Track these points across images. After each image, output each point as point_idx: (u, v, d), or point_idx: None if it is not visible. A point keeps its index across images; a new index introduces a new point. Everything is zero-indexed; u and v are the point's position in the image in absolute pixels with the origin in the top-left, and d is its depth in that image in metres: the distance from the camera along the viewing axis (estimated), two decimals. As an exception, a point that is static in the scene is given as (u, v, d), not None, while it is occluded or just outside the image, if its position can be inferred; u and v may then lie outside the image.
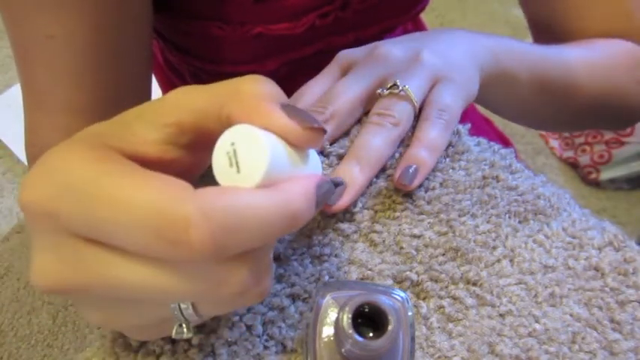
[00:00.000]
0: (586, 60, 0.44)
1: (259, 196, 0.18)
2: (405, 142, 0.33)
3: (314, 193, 0.20)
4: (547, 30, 0.49)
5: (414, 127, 0.33)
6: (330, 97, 0.32)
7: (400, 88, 0.32)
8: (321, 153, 0.32)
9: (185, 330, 0.22)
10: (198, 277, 0.18)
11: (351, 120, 0.33)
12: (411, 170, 0.30)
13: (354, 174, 0.30)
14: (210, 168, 0.20)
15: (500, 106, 0.44)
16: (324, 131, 0.21)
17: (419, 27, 0.63)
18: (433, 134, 0.31)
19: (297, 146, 0.21)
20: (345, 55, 0.36)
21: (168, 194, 0.17)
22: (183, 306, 0.20)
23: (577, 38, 0.47)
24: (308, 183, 0.19)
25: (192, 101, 0.20)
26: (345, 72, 0.35)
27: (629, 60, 0.47)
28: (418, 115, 0.33)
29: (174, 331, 0.22)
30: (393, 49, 0.34)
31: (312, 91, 0.34)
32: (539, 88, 0.42)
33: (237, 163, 0.19)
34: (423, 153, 0.30)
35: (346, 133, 0.33)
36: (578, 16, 0.47)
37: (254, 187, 0.19)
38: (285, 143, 0.20)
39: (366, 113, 0.34)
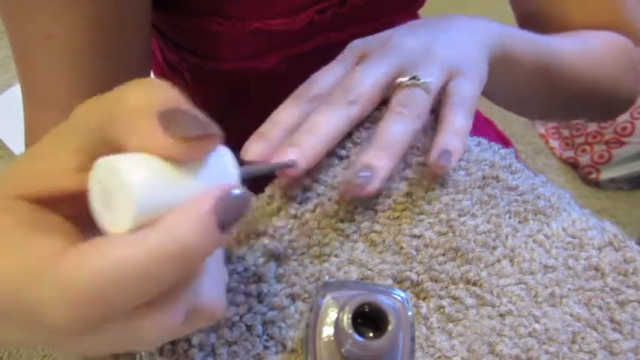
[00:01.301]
0: (578, 49, 0.45)
1: (131, 245, 0.16)
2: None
3: (209, 215, 0.17)
4: (533, 21, 0.50)
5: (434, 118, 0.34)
6: (351, 82, 0.32)
7: (422, 80, 0.32)
8: (335, 154, 0.32)
9: (144, 354, 0.21)
10: (115, 335, 0.17)
11: (372, 106, 0.33)
12: (446, 153, 0.30)
13: (383, 162, 0.30)
14: None
15: (498, 90, 0.44)
16: (211, 136, 0.18)
17: None
18: (459, 122, 0.32)
19: (182, 161, 0.17)
20: (359, 45, 0.36)
21: (20, 276, 0.16)
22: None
23: (563, 30, 0.48)
24: (198, 208, 0.17)
25: (88, 121, 0.18)
26: (360, 60, 0.35)
27: (618, 50, 0.48)
28: (435, 106, 0.34)
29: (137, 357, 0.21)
30: (407, 41, 0.35)
31: (325, 79, 0.34)
32: (537, 74, 0.42)
33: (109, 203, 0.17)
34: (454, 138, 0.31)
35: (349, 135, 0.33)
36: (565, 8, 0.48)
37: (127, 231, 0.16)
38: (166, 162, 0.17)
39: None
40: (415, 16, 0.62)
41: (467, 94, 0.33)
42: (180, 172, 0.17)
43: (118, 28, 0.37)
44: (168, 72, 0.59)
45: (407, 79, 0.32)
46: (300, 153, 0.28)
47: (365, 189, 0.29)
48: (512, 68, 0.40)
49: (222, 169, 0.19)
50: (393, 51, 0.34)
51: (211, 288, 0.19)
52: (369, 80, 0.32)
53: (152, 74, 0.57)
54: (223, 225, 0.17)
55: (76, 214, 0.19)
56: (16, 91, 1.28)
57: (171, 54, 0.54)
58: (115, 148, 0.18)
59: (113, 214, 0.17)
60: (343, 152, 0.32)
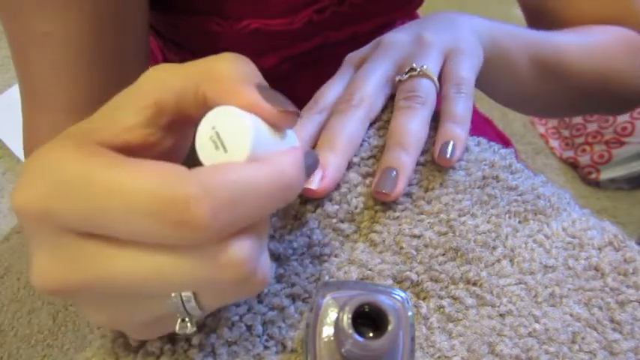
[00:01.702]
0: (581, 43, 0.45)
1: (254, 168, 0.18)
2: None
3: (303, 162, 0.20)
4: (540, 16, 0.50)
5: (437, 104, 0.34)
6: (354, 85, 0.33)
7: (418, 69, 0.33)
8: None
9: (189, 324, 0.22)
10: (200, 260, 0.18)
11: (379, 103, 0.34)
12: (449, 146, 0.31)
13: (403, 160, 0.30)
14: (193, 158, 0.20)
15: (502, 89, 0.44)
16: (298, 114, 0.21)
17: None
18: (459, 109, 0.32)
19: (274, 126, 0.21)
20: (353, 55, 0.37)
21: (164, 177, 0.17)
22: (185, 299, 0.20)
23: (571, 25, 0.47)
24: (297, 153, 0.20)
25: (167, 81, 0.20)
26: (358, 68, 0.36)
27: (626, 44, 0.47)
28: (439, 90, 0.34)
29: (177, 326, 0.22)
30: (398, 35, 0.36)
31: (330, 93, 0.34)
32: (536, 70, 0.42)
33: (222, 144, 0.19)
34: (456, 128, 0.31)
35: None
36: (573, 2, 0.48)
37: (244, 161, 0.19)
38: (263, 122, 0.20)
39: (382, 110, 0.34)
40: (414, 16, 0.62)
41: (464, 74, 0.33)
42: (272, 131, 0.21)
43: (116, 27, 0.37)
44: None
45: (404, 74, 0.33)
46: (324, 174, 0.29)
47: (393, 192, 0.29)
48: (506, 61, 0.40)
49: (293, 138, 0.23)
50: (387, 50, 0.35)
51: (266, 257, 0.21)
52: (370, 81, 0.33)
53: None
54: (306, 171, 0.21)
55: None
56: (15, 91, 1.28)
57: (172, 55, 0.54)
58: (201, 104, 0.20)
59: (227, 153, 0.19)
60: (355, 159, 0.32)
